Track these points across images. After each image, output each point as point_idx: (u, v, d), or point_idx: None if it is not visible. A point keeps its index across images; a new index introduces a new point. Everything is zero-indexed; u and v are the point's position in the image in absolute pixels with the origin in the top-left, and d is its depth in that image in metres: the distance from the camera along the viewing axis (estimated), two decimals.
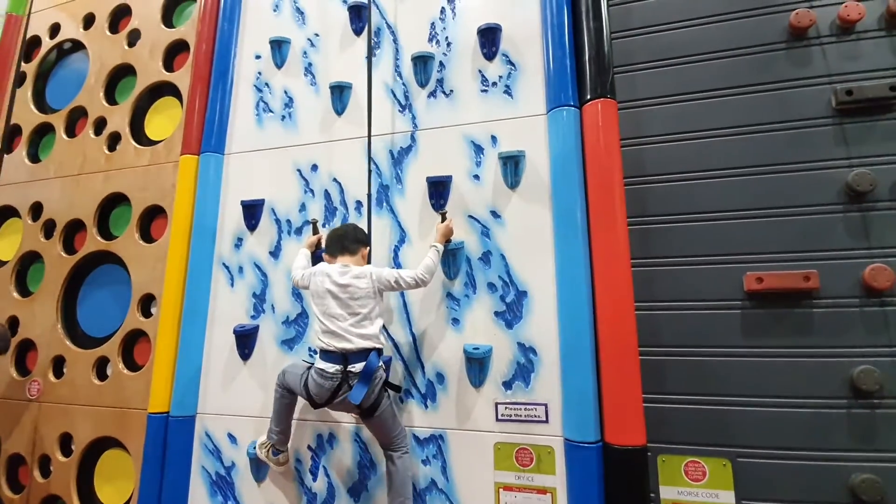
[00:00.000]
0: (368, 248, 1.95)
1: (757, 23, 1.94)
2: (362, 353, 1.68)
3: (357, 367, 1.66)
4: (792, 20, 1.87)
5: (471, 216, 2.04)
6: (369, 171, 2.17)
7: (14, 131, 3.14)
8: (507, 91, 2.11)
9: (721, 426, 1.66)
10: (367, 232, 2.02)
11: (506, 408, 1.83)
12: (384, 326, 1.88)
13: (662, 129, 1.94)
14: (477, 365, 1.87)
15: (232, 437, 2.16)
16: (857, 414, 1.57)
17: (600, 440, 1.67)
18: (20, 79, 3.22)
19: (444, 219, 1.98)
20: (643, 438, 1.62)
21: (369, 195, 2.14)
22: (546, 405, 1.79)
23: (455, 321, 1.97)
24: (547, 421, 1.78)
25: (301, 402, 1.95)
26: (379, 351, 1.74)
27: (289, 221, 2.31)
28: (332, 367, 1.68)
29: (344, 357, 1.68)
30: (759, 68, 1.89)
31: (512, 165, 2.00)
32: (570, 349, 1.77)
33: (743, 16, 1.95)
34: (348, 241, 1.86)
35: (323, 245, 2.05)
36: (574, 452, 1.69)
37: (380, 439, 1.81)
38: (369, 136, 2.21)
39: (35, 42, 3.27)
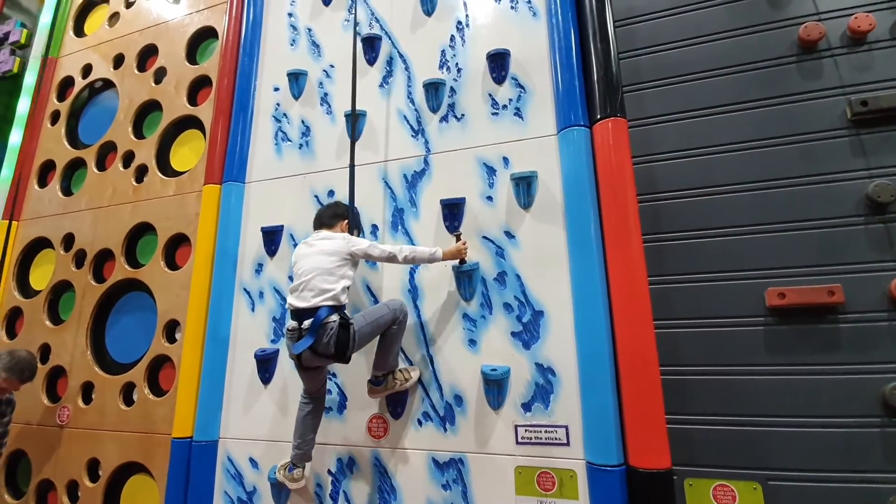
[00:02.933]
0: (347, 221, 2.03)
1: (765, 37, 1.95)
2: (313, 311, 1.74)
3: (307, 323, 1.73)
4: (801, 34, 1.87)
5: (485, 237, 2.05)
6: (352, 154, 2.21)
7: (48, 166, 3.31)
8: (518, 113, 2.15)
9: (750, 448, 1.61)
10: (347, 207, 2.08)
11: (526, 430, 1.81)
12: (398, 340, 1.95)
13: (674, 146, 1.94)
14: (495, 387, 1.87)
15: (253, 462, 2.18)
16: (892, 433, 1.51)
17: (623, 463, 1.63)
18: (54, 117, 3.41)
19: (458, 240, 2.00)
20: (668, 461, 1.58)
21: (352, 196, 2.17)
22: (566, 427, 1.76)
23: (472, 342, 1.97)
24: (568, 443, 1.75)
25: (323, 423, 2.01)
26: (334, 308, 1.75)
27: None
28: (290, 324, 1.81)
29: (299, 315, 1.77)
30: (770, 82, 1.89)
31: (524, 186, 2.02)
32: (590, 369, 1.75)
33: (750, 31, 1.97)
34: (326, 217, 2.01)
35: None
36: (597, 476, 1.65)
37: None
38: (353, 128, 2.26)
39: (69, 82, 3.48)
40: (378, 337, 1.88)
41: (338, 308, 1.77)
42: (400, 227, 2.21)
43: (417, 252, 1.88)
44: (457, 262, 2.01)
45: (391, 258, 1.87)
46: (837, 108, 1.80)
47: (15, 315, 3.04)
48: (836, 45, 1.87)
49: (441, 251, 1.92)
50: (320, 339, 1.70)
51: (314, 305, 1.74)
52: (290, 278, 1.99)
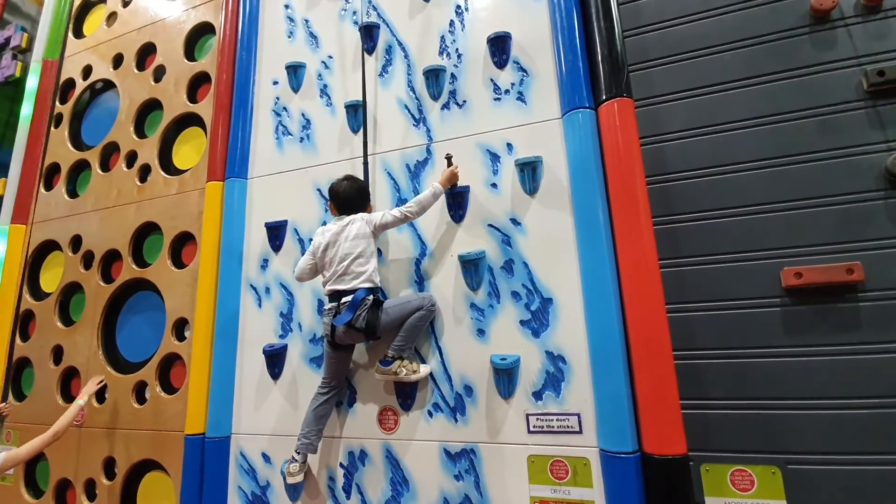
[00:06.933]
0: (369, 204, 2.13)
1: (775, 8, 1.88)
2: (352, 291, 1.90)
3: (347, 298, 1.89)
4: (813, 3, 1.80)
5: (490, 225, 2.02)
6: (365, 144, 2.19)
7: (53, 170, 3.32)
8: (521, 98, 2.10)
9: (768, 431, 1.57)
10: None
11: (537, 419, 1.79)
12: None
13: (683, 125, 1.89)
14: (505, 376, 1.84)
15: (266, 457, 2.19)
16: None
17: (638, 450, 1.61)
18: (57, 120, 3.42)
19: (450, 163, 2.04)
20: (684, 447, 1.55)
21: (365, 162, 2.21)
22: (579, 415, 1.74)
23: (480, 332, 1.95)
24: (581, 431, 1.72)
25: (332, 416, 2.04)
26: (370, 289, 1.91)
27: (311, 241, 2.34)
28: (329, 304, 1.95)
29: (339, 295, 1.91)
30: (782, 55, 1.83)
31: (529, 172, 1.98)
32: (601, 356, 1.72)
33: (760, 2, 1.90)
34: (357, 201, 2.05)
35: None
36: (611, 464, 1.63)
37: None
38: (364, 100, 2.23)
39: (70, 84, 3.47)
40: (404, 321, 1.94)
41: (373, 290, 1.92)
42: None
43: (423, 200, 1.96)
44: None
45: (406, 218, 1.97)
46: (853, 79, 1.74)
47: (28, 318, 3.08)
48: (849, 13, 1.80)
49: (439, 185, 1.98)
50: (356, 316, 1.85)
51: (353, 287, 1.89)
52: (327, 263, 2.01)
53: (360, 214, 2.00)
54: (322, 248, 1.98)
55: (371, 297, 1.89)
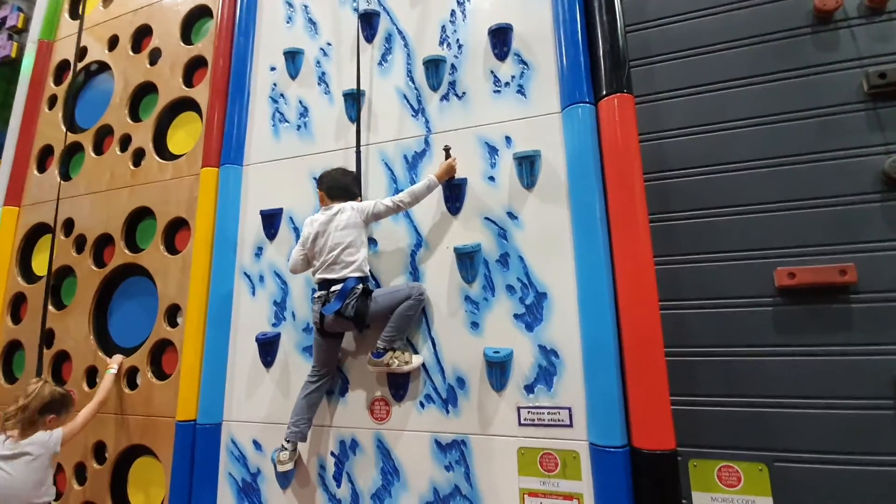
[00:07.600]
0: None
1: (779, 8, 1.87)
2: (342, 280, 1.90)
3: (336, 287, 1.89)
4: (817, 3, 1.79)
5: (487, 218, 2.01)
6: (358, 135, 2.18)
7: (46, 151, 3.28)
8: (521, 91, 2.08)
9: (756, 429, 1.59)
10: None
11: (528, 412, 1.80)
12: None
13: (683, 122, 1.89)
14: (498, 369, 1.85)
15: (257, 444, 2.19)
16: None
17: (627, 444, 1.62)
18: (52, 101, 3.37)
19: (448, 155, 2.04)
20: (672, 442, 1.56)
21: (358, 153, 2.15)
22: (570, 409, 1.75)
23: (474, 325, 1.95)
24: (571, 425, 1.73)
25: (323, 405, 2.04)
26: (360, 279, 1.91)
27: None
28: (319, 292, 1.95)
29: (329, 284, 1.91)
30: (784, 55, 1.82)
31: (527, 165, 1.97)
32: (594, 351, 1.72)
33: (763, 1, 1.89)
34: (348, 187, 2.06)
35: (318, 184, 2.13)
36: (600, 457, 1.64)
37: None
38: (359, 85, 2.22)
39: (65, 66, 3.42)
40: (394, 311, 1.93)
41: (363, 279, 1.92)
42: None
43: (416, 191, 1.96)
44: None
45: (398, 209, 1.97)
46: (854, 80, 1.73)
47: (19, 301, 3.05)
48: (853, 15, 1.80)
49: (434, 178, 1.98)
50: (345, 305, 1.85)
51: (343, 276, 1.89)
52: (316, 252, 2.01)
53: (350, 203, 1.99)
54: (311, 238, 1.97)
55: (360, 286, 1.89)
